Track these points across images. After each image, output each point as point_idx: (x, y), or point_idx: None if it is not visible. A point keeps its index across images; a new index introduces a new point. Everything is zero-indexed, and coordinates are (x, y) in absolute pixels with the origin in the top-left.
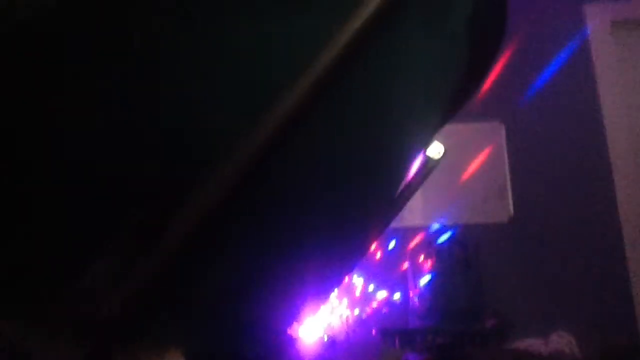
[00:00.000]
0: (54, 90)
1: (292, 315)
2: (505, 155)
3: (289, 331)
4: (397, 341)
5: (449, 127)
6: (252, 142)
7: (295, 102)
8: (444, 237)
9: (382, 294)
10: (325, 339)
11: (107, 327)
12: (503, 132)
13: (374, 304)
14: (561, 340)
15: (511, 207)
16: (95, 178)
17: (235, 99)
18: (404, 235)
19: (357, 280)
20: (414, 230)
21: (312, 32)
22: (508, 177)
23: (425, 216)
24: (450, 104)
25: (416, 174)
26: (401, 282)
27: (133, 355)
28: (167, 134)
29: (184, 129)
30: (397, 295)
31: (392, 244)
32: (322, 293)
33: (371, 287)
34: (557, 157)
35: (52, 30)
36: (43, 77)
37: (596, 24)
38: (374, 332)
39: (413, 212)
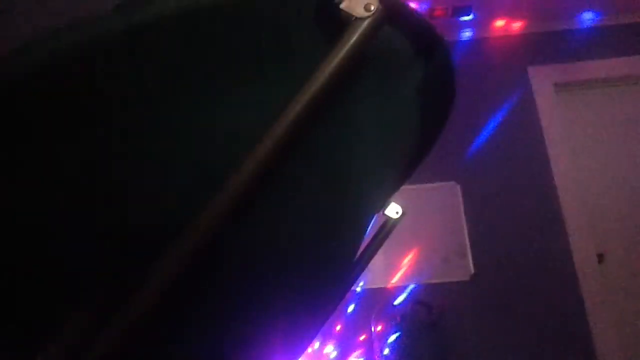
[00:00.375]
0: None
1: None
2: (463, 214)
3: None
4: None
5: (406, 189)
6: (218, 207)
7: (252, 172)
8: (406, 298)
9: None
10: None
11: None
12: (459, 191)
13: None
14: None
15: (472, 265)
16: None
17: (188, 175)
18: (366, 298)
19: (322, 346)
20: (376, 293)
21: (261, 108)
22: (466, 236)
23: (387, 278)
24: (405, 166)
25: (375, 235)
26: (365, 346)
27: None
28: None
29: (134, 212)
30: None
31: (351, 308)
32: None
33: (335, 353)
34: (513, 215)
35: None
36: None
37: (540, 86)
38: None
39: (375, 274)
